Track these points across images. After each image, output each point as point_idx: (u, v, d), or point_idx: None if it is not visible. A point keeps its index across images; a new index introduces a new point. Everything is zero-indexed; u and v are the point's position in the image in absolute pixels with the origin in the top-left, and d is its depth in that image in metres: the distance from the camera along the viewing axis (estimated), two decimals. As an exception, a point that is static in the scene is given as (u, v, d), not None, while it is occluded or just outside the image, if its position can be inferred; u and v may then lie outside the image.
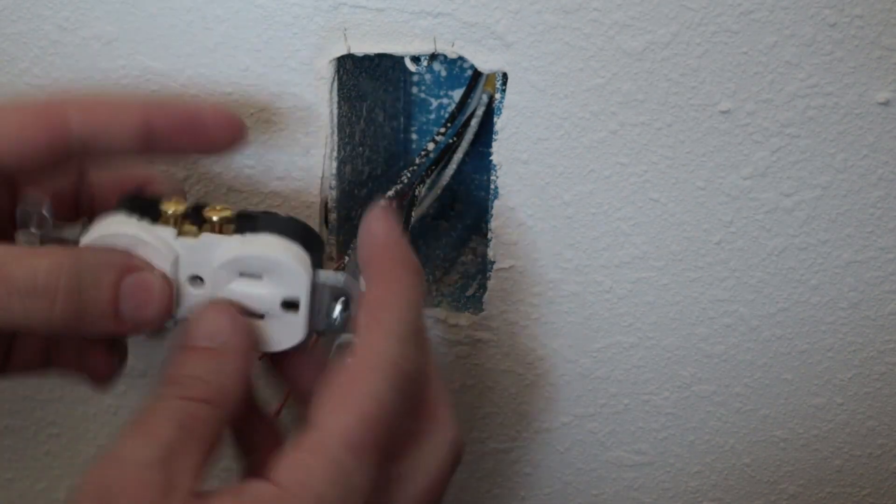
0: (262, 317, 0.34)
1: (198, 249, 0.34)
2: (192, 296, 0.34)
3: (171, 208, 0.34)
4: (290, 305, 0.34)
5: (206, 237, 0.34)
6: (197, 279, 0.34)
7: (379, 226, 0.34)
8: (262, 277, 0.34)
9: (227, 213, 0.34)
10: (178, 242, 0.34)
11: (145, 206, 0.34)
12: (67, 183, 0.38)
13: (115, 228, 0.34)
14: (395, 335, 0.31)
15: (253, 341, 0.34)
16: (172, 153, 0.38)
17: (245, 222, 0.34)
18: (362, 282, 0.34)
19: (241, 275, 0.34)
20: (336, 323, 0.35)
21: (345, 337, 0.36)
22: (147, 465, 0.29)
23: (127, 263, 0.33)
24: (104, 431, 0.53)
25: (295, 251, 0.34)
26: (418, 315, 0.32)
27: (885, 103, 0.38)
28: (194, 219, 0.34)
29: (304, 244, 0.35)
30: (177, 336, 0.34)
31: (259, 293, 0.34)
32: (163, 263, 0.34)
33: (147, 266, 0.33)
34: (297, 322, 0.34)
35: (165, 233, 0.34)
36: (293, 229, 0.35)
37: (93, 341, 0.38)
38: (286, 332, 0.35)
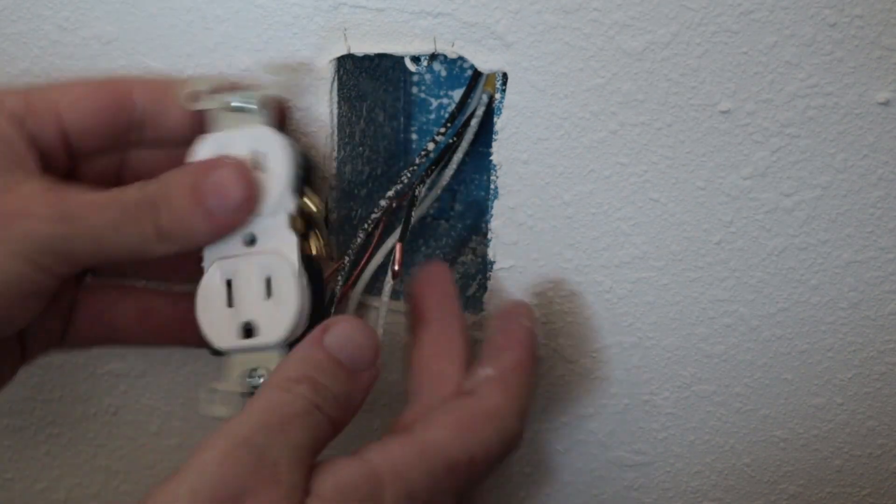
0: None
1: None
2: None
3: None
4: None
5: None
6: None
7: (529, 315, 0.39)
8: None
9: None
10: None
11: None
12: (113, 162, 0.40)
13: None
14: (517, 409, 0.35)
15: (378, 375, 0.36)
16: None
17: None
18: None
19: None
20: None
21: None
22: (283, 466, 0.30)
23: (205, 164, 0.36)
24: (104, 431, 0.53)
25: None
26: (528, 396, 0.37)
27: (885, 103, 0.38)
28: None
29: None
30: (318, 334, 0.35)
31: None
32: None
33: (225, 158, 0.36)
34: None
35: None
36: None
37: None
38: None
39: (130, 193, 0.35)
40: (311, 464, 0.31)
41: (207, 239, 0.36)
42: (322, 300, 0.40)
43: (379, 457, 0.32)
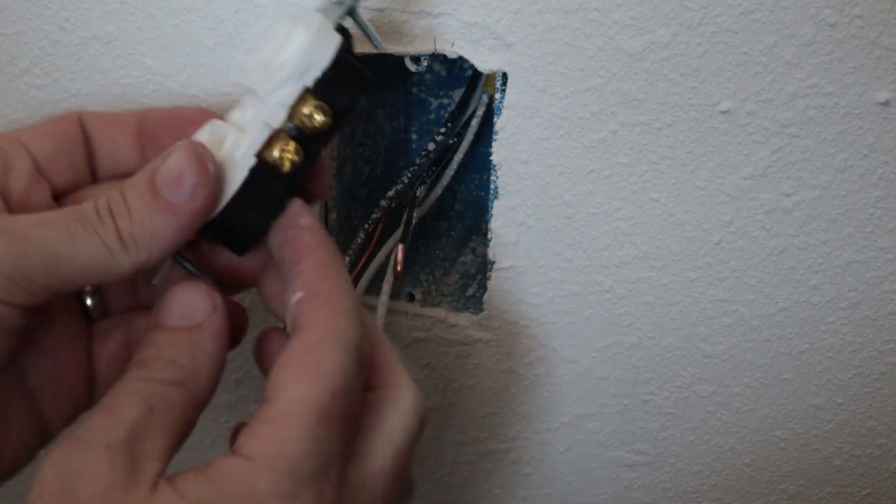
0: None
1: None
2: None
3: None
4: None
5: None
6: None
7: (303, 213, 0.34)
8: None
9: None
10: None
11: None
12: (81, 179, 0.38)
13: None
14: (343, 310, 0.31)
15: (227, 321, 0.33)
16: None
17: None
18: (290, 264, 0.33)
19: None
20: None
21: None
22: (110, 447, 0.28)
23: (156, 160, 0.33)
24: (104, 431, 0.53)
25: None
26: (351, 287, 0.33)
27: (885, 103, 0.38)
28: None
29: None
30: (152, 315, 0.33)
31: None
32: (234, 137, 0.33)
33: (173, 147, 0.33)
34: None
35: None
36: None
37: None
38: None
39: (85, 204, 0.32)
40: (173, 432, 0.30)
41: (176, 235, 0.32)
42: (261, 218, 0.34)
43: (246, 446, 0.29)
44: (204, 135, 0.33)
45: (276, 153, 0.32)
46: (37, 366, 0.35)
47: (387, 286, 0.45)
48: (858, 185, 0.40)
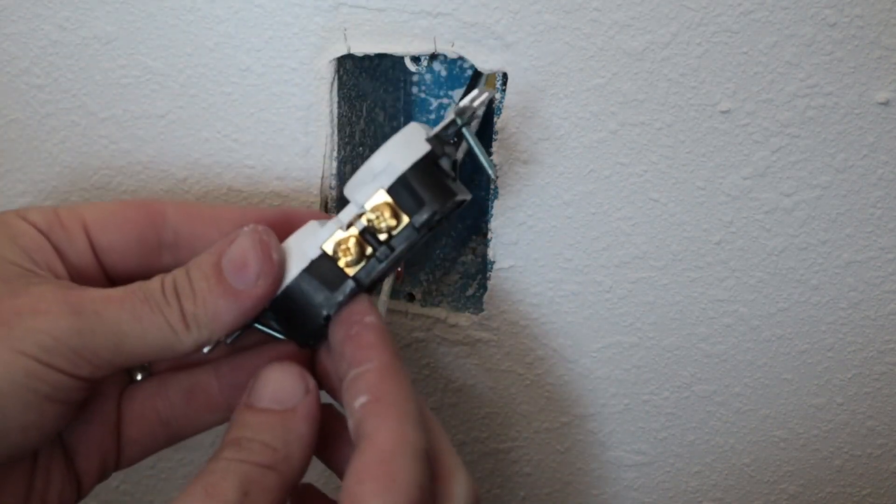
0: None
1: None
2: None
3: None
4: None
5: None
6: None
7: (368, 311, 0.33)
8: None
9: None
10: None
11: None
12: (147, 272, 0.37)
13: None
14: (410, 416, 0.31)
15: (319, 404, 0.33)
16: None
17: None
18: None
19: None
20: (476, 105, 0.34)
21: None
22: None
23: (226, 240, 0.33)
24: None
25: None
26: (413, 390, 0.32)
27: (885, 103, 0.38)
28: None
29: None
30: (245, 395, 0.33)
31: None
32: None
33: (239, 231, 0.33)
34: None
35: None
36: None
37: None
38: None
39: (152, 283, 0.33)
40: None
41: (238, 319, 0.33)
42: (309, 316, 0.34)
43: None
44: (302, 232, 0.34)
45: (337, 247, 0.33)
46: (75, 425, 0.35)
47: (387, 286, 0.45)
48: (858, 185, 0.40)
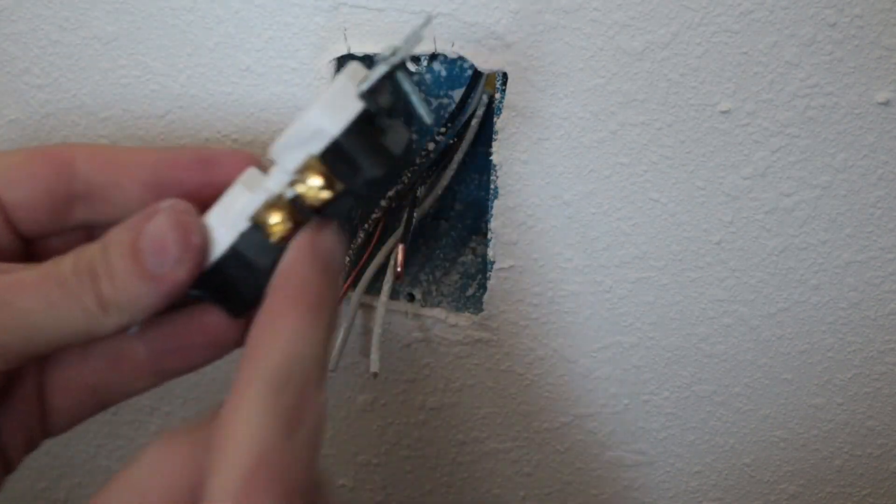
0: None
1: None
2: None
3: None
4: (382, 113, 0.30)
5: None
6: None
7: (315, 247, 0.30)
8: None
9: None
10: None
11: None
12: (75, 238, 0.34)
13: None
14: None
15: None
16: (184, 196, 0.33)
17: None
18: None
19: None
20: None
21: None
22: None
23: (142, 216, 0.30)
24: (103, 431, 0.53)
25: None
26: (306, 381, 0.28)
27: (885, 103, 0.38)
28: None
29: None
30: None
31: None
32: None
33: (156, 208, 0.30)
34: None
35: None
36: None
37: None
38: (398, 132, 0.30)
39: (65, 264, 0.30)
40: None
41: (160, 302, 0.30)
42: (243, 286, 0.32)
43: None
44: (232, 195, 0.31)
45: (270, 219, 0.30)
46: None
47: (387, 286, 0.45)
48: (858, 185, 0.40)
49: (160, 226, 0.30)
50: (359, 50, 0.40)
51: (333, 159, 0.30)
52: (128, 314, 0.30)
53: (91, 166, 0.32)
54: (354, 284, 0.46)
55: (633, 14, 0.37)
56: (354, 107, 0.30)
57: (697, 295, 0.43)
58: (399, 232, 0.45)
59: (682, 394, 0.46)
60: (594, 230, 0.42)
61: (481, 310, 0.46)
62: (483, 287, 0.46)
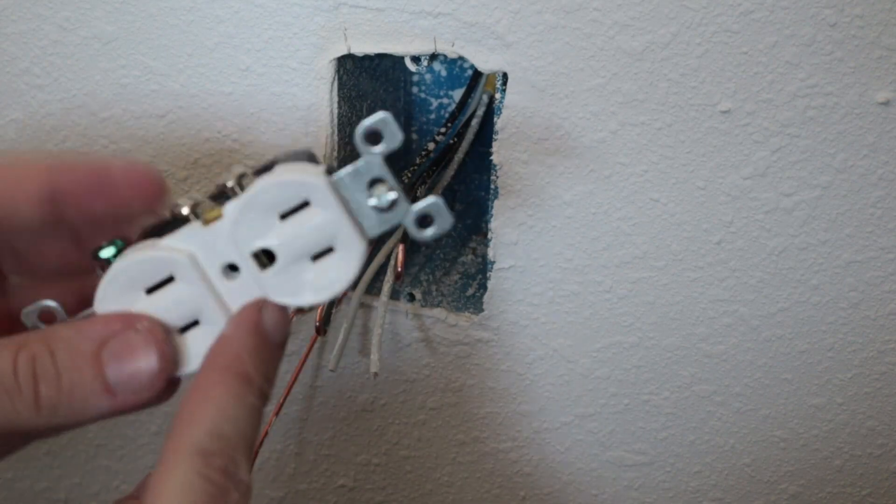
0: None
1: (221, 230, 0.28)
2: (231, 291, 0.29)
3: (186, 203, 0.28)
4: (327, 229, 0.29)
5: (227, 208, 0.28)
6: (230, 269, 0.29)
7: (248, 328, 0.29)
8: (289, 214, 0.29)
9: (242, 170, 0.28)
10: (197, 234, 0.28)
11: (164, 224, 0.29)
12: None
13: (117, 267, 0.28)
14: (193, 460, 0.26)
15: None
16: (84, 218, 0.30)
17: (261, 171, 0.29)
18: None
19: (275, 220, 0.28)
20: (386, 205, 0.29)
21: None
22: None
23: (107, 328, 0.28)
24: (103, 432, 0.53)
25: (300, 166, 0.29)
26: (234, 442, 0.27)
27: (885, 103, 0.38)
28: (218, 198, 0.29)
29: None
30: None
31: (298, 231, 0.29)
32: (183, 273, 0.29)
33: (134, 320, 0.28)
34: (349, 235, 0.29)
35: (181, 233, 0.28)
36: (298, 155, 0.29)
37: None
38: (346, 258, 0.29)
39: (3, 361, 0.27)
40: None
41: (108, 415, 0.28)
42: None
43: None
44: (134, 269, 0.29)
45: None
46: None
47: (387, 286, 0.45)
48: (858, 185, 0.40)
49: (132, 343, 0.28)
50: (359, 50, 0.40)
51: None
52: (63, 418, 0.28)
53: None
54: (354, 284, 0.46)
55: (633, 14, 0.37)
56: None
57: (697, 295, 0.43)
58: (399, 232, 0.45)
59: (682, 394, 0.46)
60: (594, 230, 0.42)
61: (481, 310, 0.46)
62: (483, 287, 0.46)
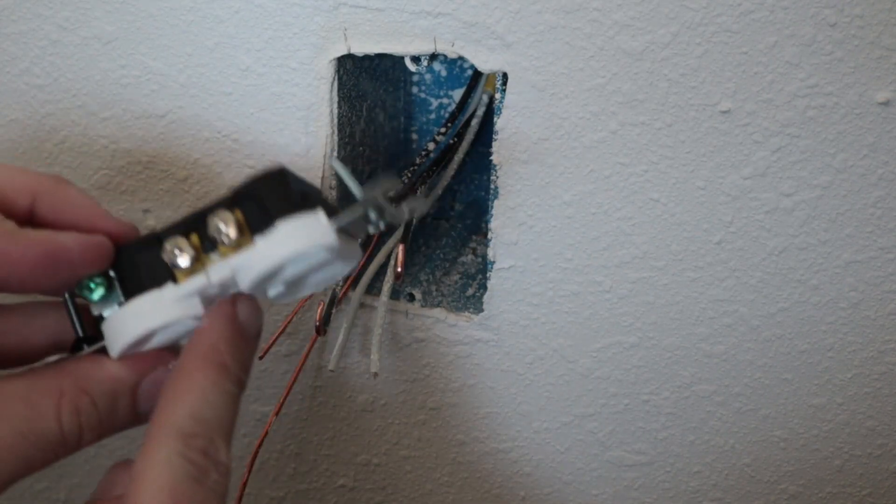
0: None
1: (225, 283, 0.30)
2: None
3: (178, 253, 0.30)
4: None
5: (234, 261, 0.29)
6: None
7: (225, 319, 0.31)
8: (299, 273, 0.31)
9: (232, 225, 0.29)
10: (201, 285, 0.30)
11: (151, 268, 0.30)
12: None
13: (138, 326, 0.30)
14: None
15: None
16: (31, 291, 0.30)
17: (253, 215, 0.29)
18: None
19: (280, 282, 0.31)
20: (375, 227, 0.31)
21: None
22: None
23: (136, 372, 0.31)
24: (104, 431, 0.53)
25: (311, 224, 0.30)
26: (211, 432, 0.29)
27: (885, 103, 0.38)
28: (205, 240, 0.30)
29: (308, 204, 0.31)
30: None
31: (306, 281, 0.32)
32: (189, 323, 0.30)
33: (157, 359, 0.31)
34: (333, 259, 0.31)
35: (189, 286, 0.30)
36: (293, 197, 0.30)
37: None
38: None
39: (45, 406, 0.31)
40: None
41: None
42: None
43: None
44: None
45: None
46: None
47: (387, 286, 0.45)
48: (858, 185, 0.40)
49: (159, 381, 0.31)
50: (359, 50, 0.40)
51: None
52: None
53: None
54: (354, 284, 0.46)
55: (633, 14, 0.37)
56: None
57: (697, 295, 0.43)
58: (399, 232, 0.45)
59: (682, 394, 0.46)
60: (594, 230, 0.42)
61: (481, 310, 0.46)
62: (483, 287, 0.46)
